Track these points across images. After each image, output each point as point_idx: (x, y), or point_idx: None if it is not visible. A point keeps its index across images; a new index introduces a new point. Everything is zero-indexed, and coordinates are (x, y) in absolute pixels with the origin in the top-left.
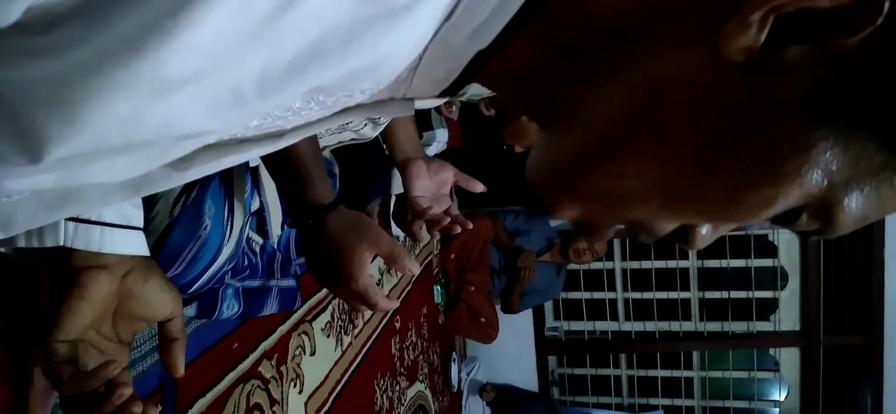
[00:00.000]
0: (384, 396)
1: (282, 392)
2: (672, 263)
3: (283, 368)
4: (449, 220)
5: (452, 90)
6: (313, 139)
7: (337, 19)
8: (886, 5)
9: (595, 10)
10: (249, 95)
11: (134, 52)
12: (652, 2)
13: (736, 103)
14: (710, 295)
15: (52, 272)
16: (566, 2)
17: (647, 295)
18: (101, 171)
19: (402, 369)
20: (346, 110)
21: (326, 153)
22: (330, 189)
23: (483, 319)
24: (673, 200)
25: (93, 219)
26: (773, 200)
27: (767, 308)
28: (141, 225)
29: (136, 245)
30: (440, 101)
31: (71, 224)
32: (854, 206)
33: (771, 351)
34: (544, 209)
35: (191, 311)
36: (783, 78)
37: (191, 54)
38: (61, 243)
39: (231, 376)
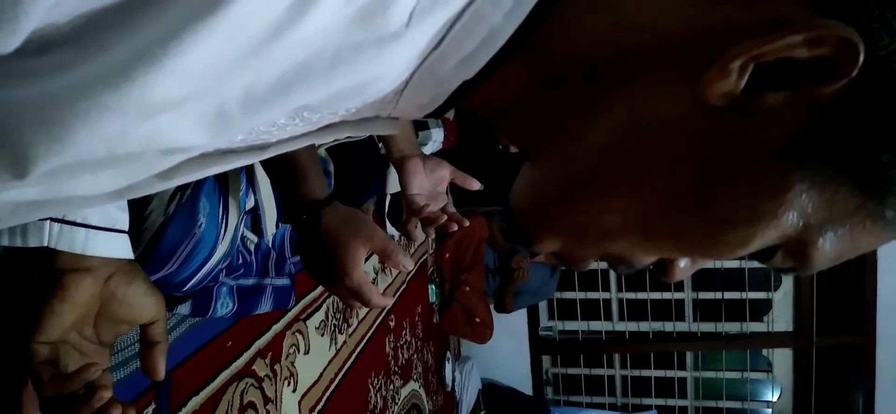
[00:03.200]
0: (378, 395)
1: (276, 391)
2: None
3: (277, 367)
4: (446, 217)
5: (438, 114)
6: None
7: (325, 43)
8: (862, 57)
9: (580, 46)
10: (234, 112)
11: (123, 77)
12: (636, 41)
13: (715, 145)
14: (703, 296)
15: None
16: (552, 37)
17: (642, 295)
18: (85, 184)
19: (396, 368)
20: (330, 126)
21: (321, 151)
22: (325, 185)
23: (478, 320)
24: (651, 236)
25: (78, 221)
26: (749, 240)
27: (761, 309)
28: (126, 228)
29: (121, 248)
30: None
31: (55, 225)
32: (828, 246)
33: (764, 352)
34: (527, 240)
35: (185, 309)
36: (762, 122)
37: (179, 80)
38: (45, 244)
39: (225, 375)
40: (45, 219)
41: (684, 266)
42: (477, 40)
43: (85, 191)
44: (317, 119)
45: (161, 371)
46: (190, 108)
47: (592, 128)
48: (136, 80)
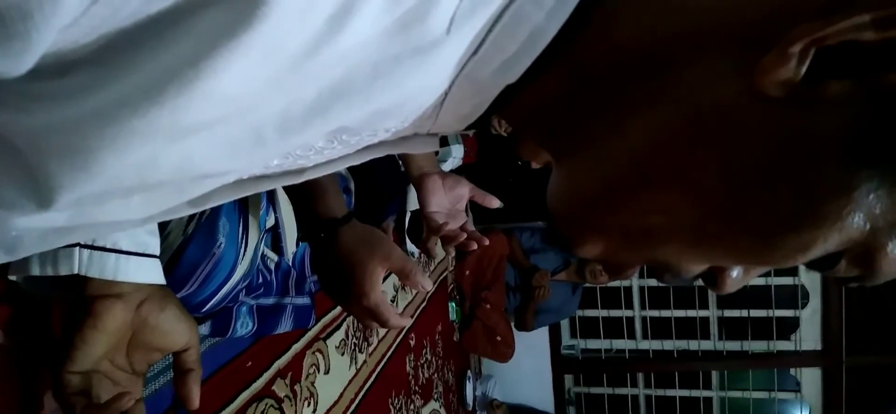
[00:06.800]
0: None
1: (296, 411)
2: None
3: (297, 387)
4: (465, 235)
5: (479, 124)
6: None
7: (363, 58)
8: None
9: (626, 40)
10: (270, 136)
11: (152, 101)
12: (685, 32)
13: (772, 140)
14: (729, 314)
15: (64, 300)
16: (597, 33)
17: (665, 313)
18: (115, 210)
19: (416, 387)
20: (368, 147)
21: (342, 169)
22: (343, 203)
23: (499, 338)
24: (702, 241)
25: (108, 246)
26: (810, 245)
27: (788, 327)
28: (157, 253)
29: (152, 273)
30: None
31: (86, 251)
32: None
33: (792, 371)
34: (568, 245)
35: (204, 329)
36: (823, 114)
37: (212, 103)
38: (76, 271)
39: (245, 395)
40: (75, 245)
41: (737, 276)
42: (519, 42)
43: (115, 216)
44: (355, 142)
45: (196, 400)
46: (223, 131)
47: (637, 123)
48: (166, 104)
